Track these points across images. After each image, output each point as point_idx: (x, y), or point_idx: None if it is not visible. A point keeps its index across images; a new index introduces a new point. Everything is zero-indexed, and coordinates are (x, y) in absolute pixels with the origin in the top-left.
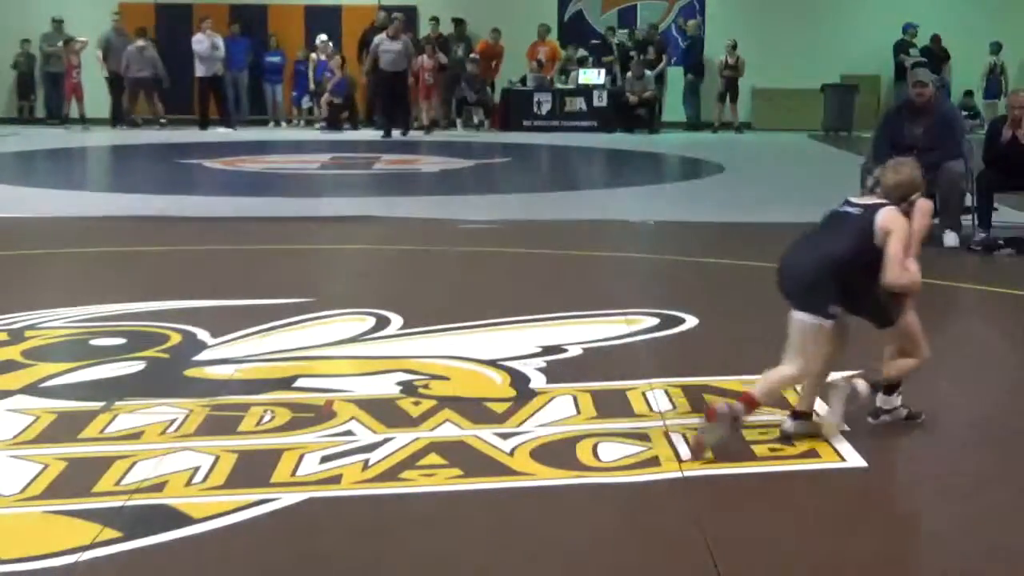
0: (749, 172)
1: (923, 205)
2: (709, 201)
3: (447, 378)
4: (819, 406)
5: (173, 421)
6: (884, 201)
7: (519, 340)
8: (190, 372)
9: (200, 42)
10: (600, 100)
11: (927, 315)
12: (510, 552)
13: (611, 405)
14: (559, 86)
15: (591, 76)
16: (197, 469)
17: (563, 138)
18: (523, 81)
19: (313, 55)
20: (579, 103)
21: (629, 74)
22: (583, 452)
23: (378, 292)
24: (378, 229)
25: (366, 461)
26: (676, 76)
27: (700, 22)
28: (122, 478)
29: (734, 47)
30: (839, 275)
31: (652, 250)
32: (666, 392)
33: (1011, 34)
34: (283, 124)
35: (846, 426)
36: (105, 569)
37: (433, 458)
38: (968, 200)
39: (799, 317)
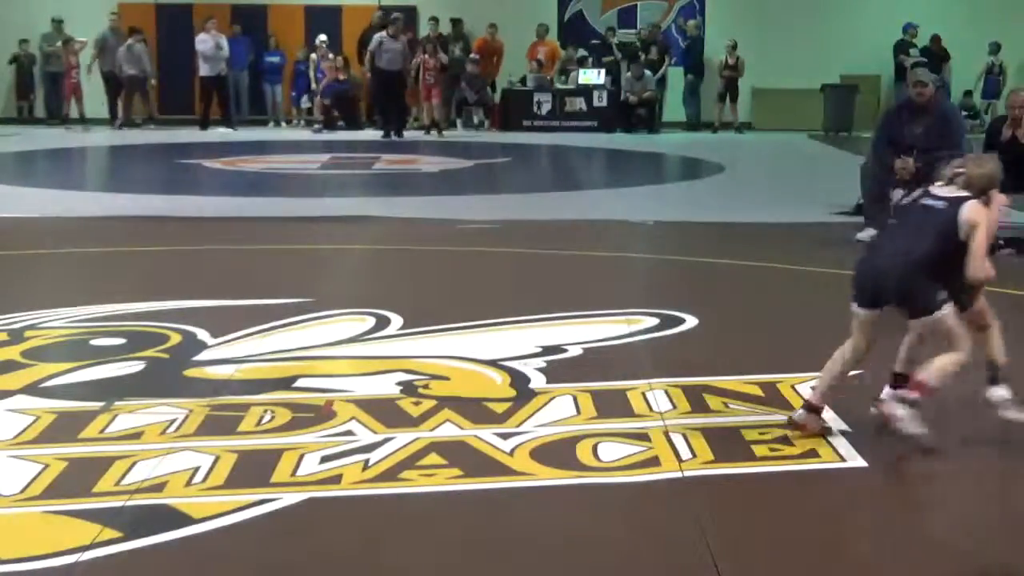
0: (749, 172)
1: (1000, 199)
2: (709, 201)
3: (447, 378)
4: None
5: (173, 421)
6: (967, 194)
7: (519, 340)
8: (190, 372)
9: (204, 42)
10: (600, 100)
11: None
12: (510, 552)
13: (611, 405)
14: (559, 86)
15: (591, 76)
16: (197, 469)
17: (563, 138)
18: (523, 81)
19: (313, 55)
20: (579, 103)
21: (628, 74)
22: (583, 452)
23: (378, 292)
24: (378, 229)
25: (366, 461)
26: (676, 76)
27: (700, 22)
28: (122, 478)
29: (734, 47)
30: (933, 270)
31: (652, 250)
32: (666, 392)
33: (1011, 34)
34: (282, 124)
35: (846, 426)
36: (105, 569)
37: (433, 458)
38: None
39: (921, 322)
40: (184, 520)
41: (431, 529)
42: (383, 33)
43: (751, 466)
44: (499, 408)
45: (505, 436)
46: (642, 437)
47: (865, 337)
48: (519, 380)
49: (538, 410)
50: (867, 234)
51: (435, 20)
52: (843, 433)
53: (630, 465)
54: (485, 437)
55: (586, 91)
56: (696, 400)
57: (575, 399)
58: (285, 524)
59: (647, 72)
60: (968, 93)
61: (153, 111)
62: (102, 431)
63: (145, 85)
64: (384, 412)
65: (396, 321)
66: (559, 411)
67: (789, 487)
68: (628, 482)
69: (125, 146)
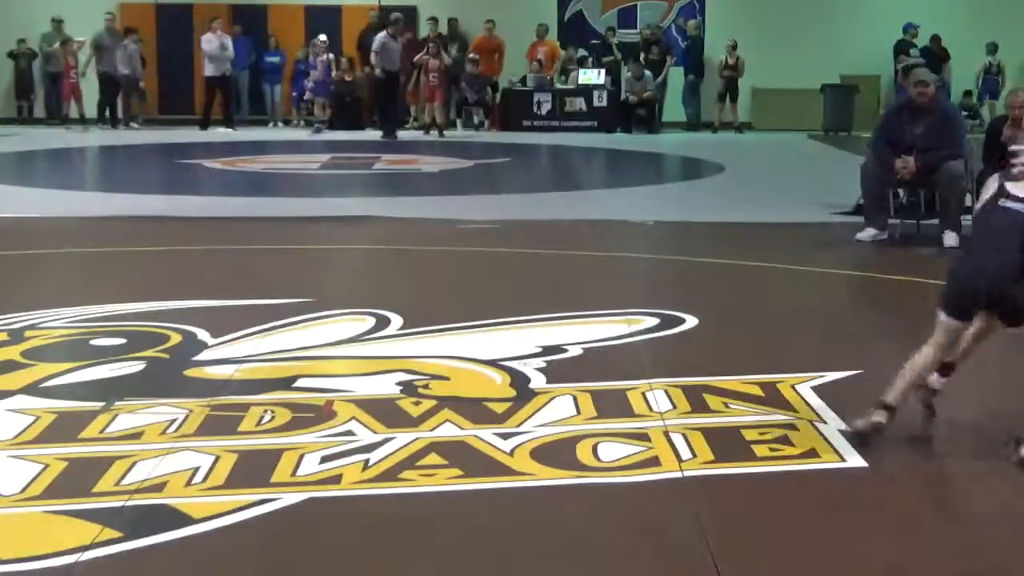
0: (749, 172)
1: None
2: (709, 201)
3: (447, 378)
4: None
5: (173, 421)
6: None
7: (519, 340)
8: (190, 372)
9: (210, 41)
10: (600, 100)
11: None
12: (510, 552)
13: (611, 405)
14: (559, 86)
15: (591, 76)
16: (197, 469)
17: (563, 138)
18: (523, 81)
19: (314, 55)
20: (579, 103)
21: (628, 74)
22: (583, 452)
23: (378, 292)
24: (378, 229)
25: (366, 461)
26: (676, 76)
27: (700, 22)
28: (122, 478)
29: (734, 47)
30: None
31: (652, 250)
32: (666, 392)
33: (1011, 34)
34: (280, 124)
35: (847, 426)
36: (105, 569)
37: (433, 458)
38: (968, 200)
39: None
40: (184, 520)
41: (431, 529)
42: (384, 33)
43: (751, 466)
44: (499, 408)
45: (505, 436)
46: (642, 437)
47: (947, 341)
48: (519, 380)
49: (538, 410)
50: (867, 234)
51: (434, 20)
52: (843, 433)
53: (630, 465)
54: (485, 437)
55: (586, 91)
56: (696, 400)
57: (575, 399)
58: (285, 524)
59: (647, 72)
60: (968, 93)
61: (142, 111)
62: (102, 431)
63: (138, 85)
64: (384, 412)
65: (396, 321)
66: (559, 411)
67: (789, 487)
68: (628, 482)
69: (125, 146)
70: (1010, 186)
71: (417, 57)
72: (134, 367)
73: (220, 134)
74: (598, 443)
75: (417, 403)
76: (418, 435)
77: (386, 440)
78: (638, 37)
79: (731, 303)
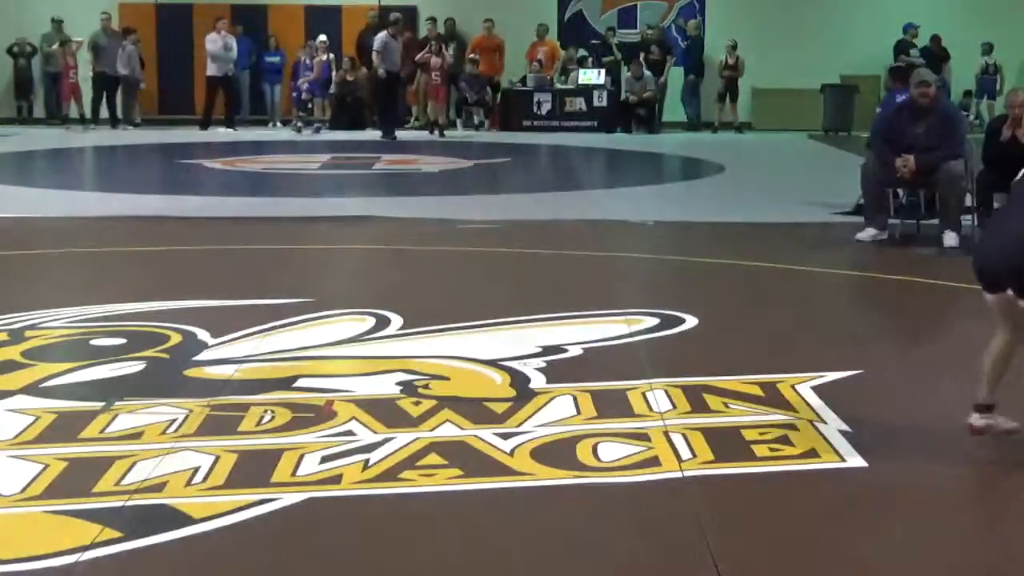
0: (749, 172)
1: None
2: (709, 201)
3: (447, 378)
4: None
5: (173, 421)
6: None
7: (519, 340)
8: (190, 372)
9: (214, 41)
10: (600, 100)
11: (929, 316)
12: (510, 552)
13: (611, 405)
14: (559, 86)
15: (591, 76)
16: (197, 469)
17: (563, 138)
18: (523, 81)
19: (314, 55)
20: (579, 103)
21: (628, 74)
22: (583, 452)
23: (378, 292)
24: (378, 229)
25: (366, 461)
26: (676, 76)
27: (700, 22)
28: (122, 478)
29: (734, 47)
30: None
31: (652, 250)
32: (666, 392)
33: (1011, 34)
34: (279, 124)
35: (846, 426)
36: (105, 569)
37: (433, 458)
38: (968, 200)
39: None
40: (184, 520)
41: (431, 529)
42: (384, 33)
43: (751, 466)
44: (499, 408)
45: (505, 436)
46: (642, 437)
47: (1005, 321)
48: (519, 380)
49: (538, 410)
50: (867, 234)
51: (432, 20)
52: (843, 433)
53: (630, 465)
54: (485, 437)
55: (586, 91)
56: (696, 400)
57: (575, 399)
58: (285, 524)
59: (646, 72)
60: (968, 93)
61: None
62: (102, 431)
63: (138, 86)
64: (384, 412)
65: (396, 321)
66: (559, 411)
67: (789, 487)
68: (628, 482)
69: (125, 146)
70: None
71: (419, 56)
72: (134, 367)
73: (221, 134)
74: (598, 443)
75: (417, 403)
76: (418, 435)
77: (386, 440)
78: (638, 37)
79: (731, 303)
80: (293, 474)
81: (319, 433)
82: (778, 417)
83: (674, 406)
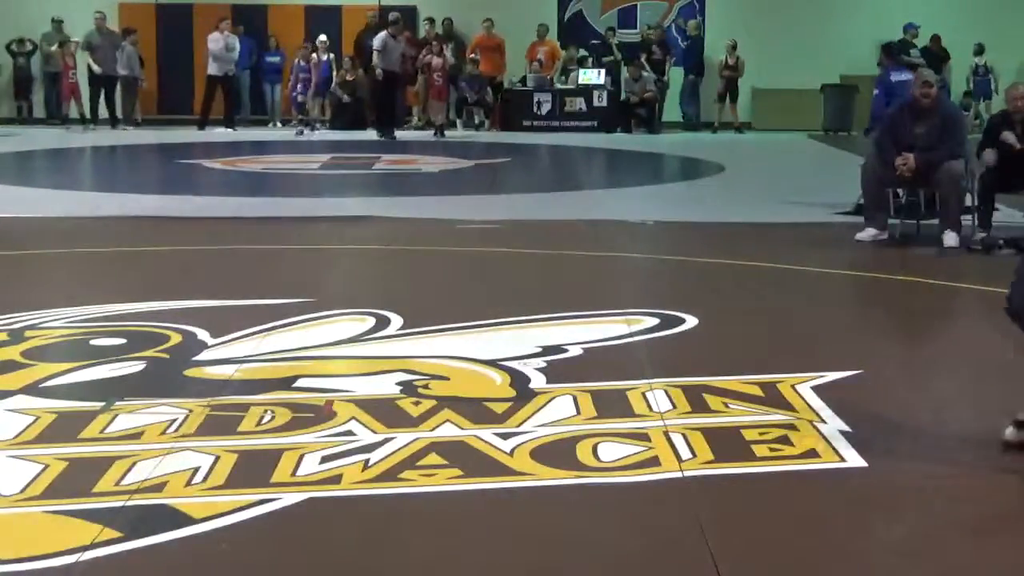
0: (749, 172)
1: None
2: (709, 201)
3: (447, 378)
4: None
5: (173, 421)
6: None
7: (519, 340)
8: (190, 372)
9: (216, 41)
10: (600, 100)
11: (929, 316)
12: (510, 552)
13: (611, 405)
14: (559, 86)
15: (591, 76)
16: (197, 469)
17: (563, 138)
18: (523, 81)
19: (314, 55)
20: (579, 103)
21: (627, 75)
22: (583, 452)
23: (378, 292)
24: (378, 229)
25: (366, 461)
26: (676, 76)
27: (700, 22)
28: (122, 478)
29: (734, 47)
30: None
31: (652, 250)
32: (666, 392)
33: (1009, 34)
34: (279, 124)
35: (846, 426)
36: (105, 569)
37: (433, 458)
38: (968, 200)
39: None
40: (184, 520)
41: (431, 529)
42: (384, 33)
43: (751, 466)
44: (499, 408)
45: (505, 436)
46: (642, 437)
47: None
48: (519, 380)
49: (538, 410)
50: (867, 234)
51: (431, 20)
52: (843, 433)
53: (630, 465)
54: (485, 437)
55: (586, 91)
56: (696, 400)
57: (575, 399)
58: (285, 524)
59: (645, 73)
60: (968, 93)
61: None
62: (102, 431)
63: (136, 86)
64: (384, 412)
65: (396, 321)
66: (559, 411)
67: (789, 487)
68: (628, 482)
69: (124, 146)
70: None
71: (421, 56)
72: (134, 367)
73: (221, 134)
74: (598, 443)
75: (417, 403)
76: (418, 435)
77: (386, 440)
78: (638, 37)
79: (731, 303)
80: (293, 474)
81: (319, 433)
82: (778, 417)
83: (674, 406)
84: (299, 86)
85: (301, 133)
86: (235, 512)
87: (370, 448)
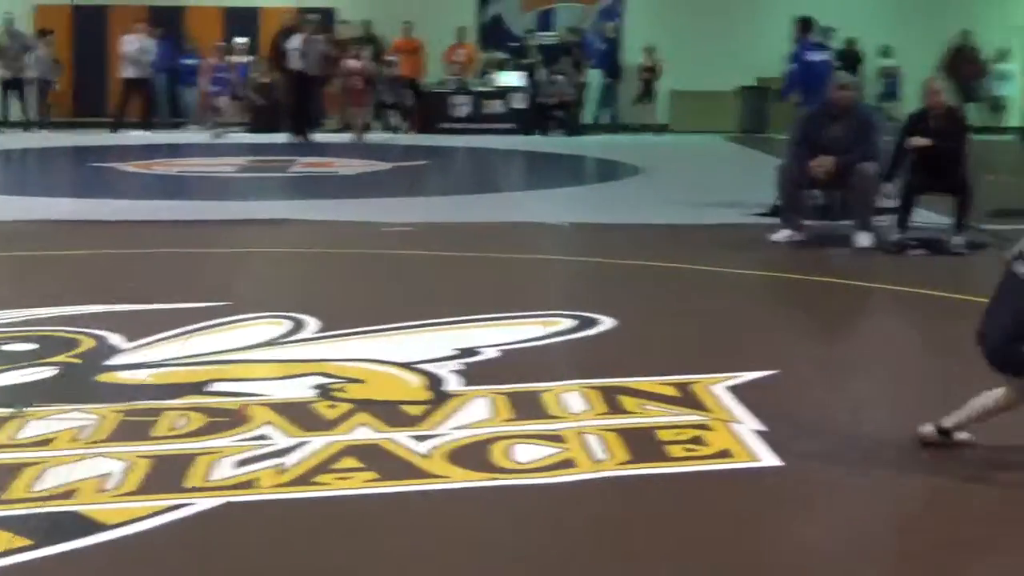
0: (666, 174)
1: None
2: (626, 203)
3: (363, 381)
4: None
5: (85, 426)
6: None
7: (436, 342)
8: (103, 377)
9: (130, 43)
10: (518, 103)
11: (844, 315)
12: (426, 555)
13: (527, 407)
14: (478, 89)
15: (509, 79)
16: (110, 475)
17: (482, 140)
18: (441, 84)
19: (231, 57)
20: (498, 106)
21: (545, 77)
22: (498, 454)
23: (295, 295)
24: (296, 232)
25: (281, 465)
26: (594, 78)
27: (618, 25)
28: (33, 485)
29: (652, 50)
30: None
31: (570, 252)
32: (582, 394)
33: (914, 38)
34: (195, 127)
35: (763, 426)
36: None
37: (349, 461)
38: (886, 202)
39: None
40: (96, 527)
41: (347, 533)
42: (302, 35)
43: (666, 467)
44: (415, 411)
45: (421, 439)
46: (558, 439)
47: (1011, 386)
48: (435, 383)
49: (454, 412)
50: (782, 235)
51: (349, 23)
52: (759, 433)
53: (546, 467)
54: (400, 440)
55: (504, 93)
56: (612, 401)
57: (491, 401)
58: (200, 529)
59: (559, 76)
60: (888, 96)
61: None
62: (12, 437)
63: (49, 88)
64: (299, 416)
65: (313, 324)
66: (475, 413)
67: (704, 487)
68: (543, 484)
69: (37, 149)
70: None
71: (341, 59)
72: (46, 372)
73: (137, 137)
74: (513, 445)
75: (332, 406)
76: (333, 439)
77: (301, 444)
78: (557, 39)
79: (648, 304)
80: (207, 479)
81: (234, 437)
82: (693, 418)
83: (590, 407)
84: (215, 88)
85: (219, 136)
86: (148, 518)
87: (285, 452)
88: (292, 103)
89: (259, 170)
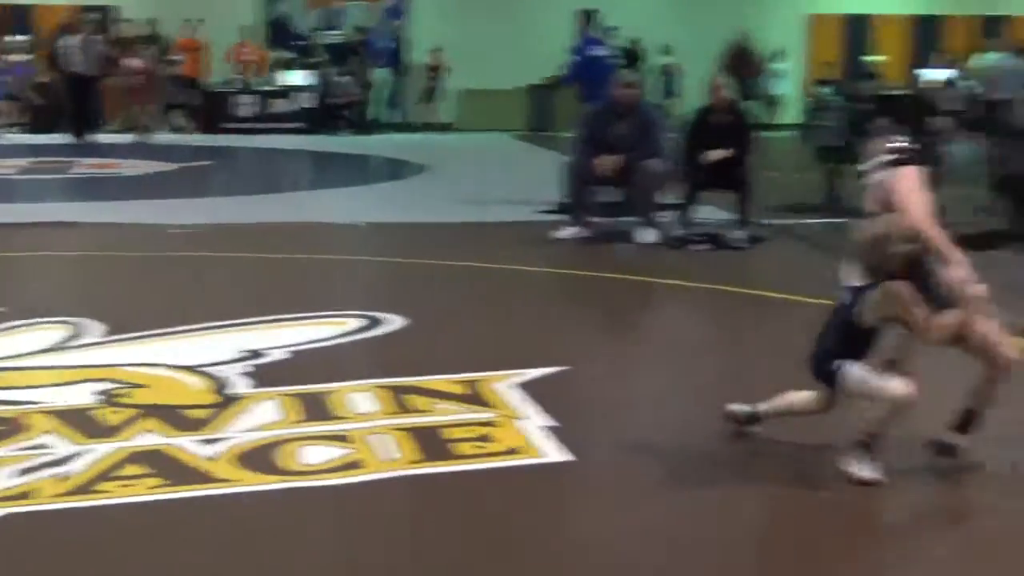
0: (453, 172)
1: None
2: (414, 201)
3: (147, 386)
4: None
5: None
6: None
7: (223, 345)
8: None
9: None
10: (305, 102)
11: (631, 310)
12: (213, 561)
13: (316, 408)
14: (264, 88)
15: (296, 78)
16: None
17: (269, 140)
18: (227, 83)
19: (8, 56)
20: (284, 105)
21: (333, 77)
22: (287, 456)
23: (78, 299)
24: (78, 235)
25: (64, 474)
26: (381, 78)
27: (404, 24)
28: None
29: (438, 49)
30: None
31: (358, 251)
32: (372, 393)
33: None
34: None
35: (555, 422)
36: None
37: (133, 468)
38: (665, 198)
39: None
40: None
41: (133, 540)
42: (80, 34)
43: (454, 464)
44: (201, 414)
45: (207, 443)
46: (346, 439)
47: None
48: (221, 385)
49: (241, 415)
50: (568, 232)
51: (131, 21)
52: (547, 428)
53: (335, 468)
54: (185, 445)
55: (291, 93)
56: (401, 401)
57: (280, 403)
58: None
59: (345, 78)
60: (668, 93)
61: None
62: None
63: None
64: (81, 423)
65: (97, 329)
66: (263, 416)
67: (492, 484)
68: (332, 485)
69: None
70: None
71: (121, 58)
72: None
73: None
74: (302, 447)
75: (116, 412)
76: (117, 445)
77: (84, 452)
78: (343, 38)
79: (438, 303)
80: None
81: (13, 446)
82: (481, 415)
83: (380, 407)
84: None
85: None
86: None
87: (67, 460)
88: (70, 104)
89: (41, 172)
